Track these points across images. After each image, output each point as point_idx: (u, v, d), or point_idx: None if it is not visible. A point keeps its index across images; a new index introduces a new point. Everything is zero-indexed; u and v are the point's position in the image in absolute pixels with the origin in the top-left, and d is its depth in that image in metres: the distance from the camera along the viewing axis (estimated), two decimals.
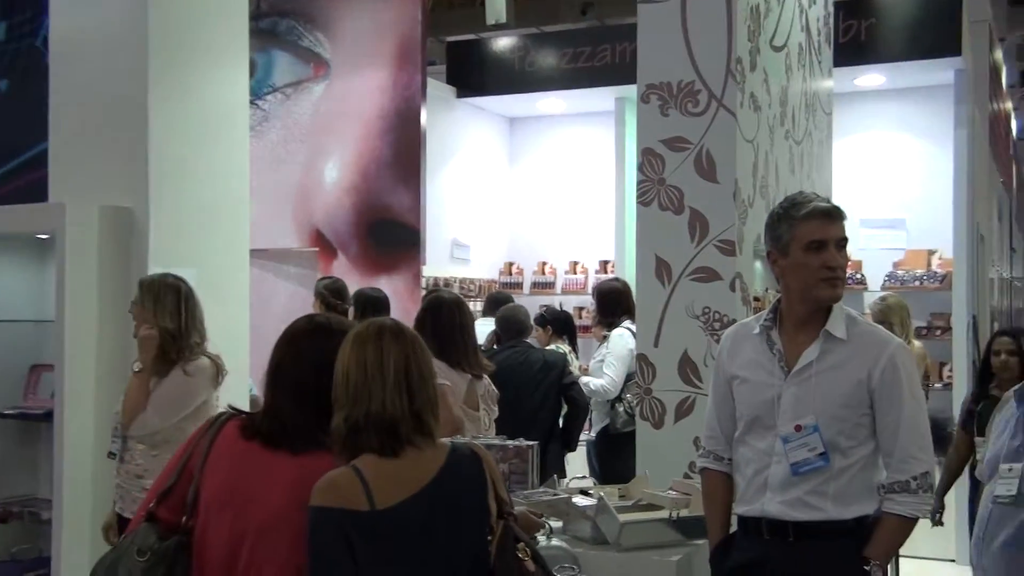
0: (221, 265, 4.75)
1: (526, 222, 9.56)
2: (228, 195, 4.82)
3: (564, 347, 6.26)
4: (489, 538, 2.08)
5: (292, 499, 2.06)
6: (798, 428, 2.62)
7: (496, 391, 4.28)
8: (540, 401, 5.17)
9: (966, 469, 4.89)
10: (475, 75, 8.92)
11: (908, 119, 8.26)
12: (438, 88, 8.58)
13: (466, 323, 4.23)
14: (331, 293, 6.21)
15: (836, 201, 2.79)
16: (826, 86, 6.18)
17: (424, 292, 6.43)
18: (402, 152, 7.31)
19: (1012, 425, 3.21)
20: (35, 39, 4.97)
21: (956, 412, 5.87)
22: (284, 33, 7.71)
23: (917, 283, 7.85)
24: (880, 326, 2.89)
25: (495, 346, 5.43)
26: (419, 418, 2.09)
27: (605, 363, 5.44)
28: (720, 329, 3.93)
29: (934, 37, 7.41)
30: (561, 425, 5.32)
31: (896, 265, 8.04)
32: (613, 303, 5.59)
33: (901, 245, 8.05)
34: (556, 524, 2.94)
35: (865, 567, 2.55)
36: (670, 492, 3.08)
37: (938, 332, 7.74)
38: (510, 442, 3.23)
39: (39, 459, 4.52)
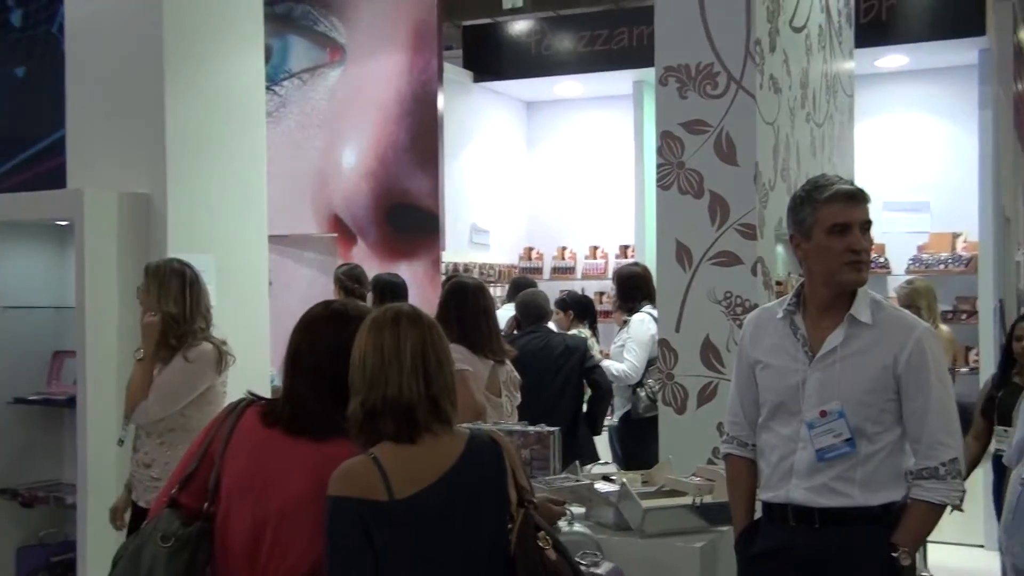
0: (239, 251, 4.75)
1: (545, 207, 9.52)
2: (245, 181, 4.81)
3: (585, 331, 6.24)
4: (509, 527, 2.06)
5: (314, 485, 2.05)
6: (823, 414, 2.59)
7: (518, 377, 4.27)
8: (562, 386, 5.15)
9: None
10: (492, 59, 8.87)
11: (931, 100, 8.16)
12: (455, 72, 8.54)
13: (489, 308, 4.22)
14: (349, 279, 6.23)
15: (859, 184, 2.74)
16: (847, 67, 6.11)
17: (444, 277, 6.41)
18: (419, 137, 7.30)
19: None
20: (51, 26, 4.97)
21: None
22: (300, 18, 7.69)
23: (942, 266, 7.77)
24: (906, 310, 2.85)
25: (515, 331, 5.41)
26: (436, 403, 2.07)
27: (626, 348, 5.42)
28: (742, 314, 3.90)
29: (957, 17, 7.30)
30: (585, 409, 5.30)
31: (920, 248, 7.96)
32: (633, 288, 5.56)
33: (925, 228, 7.97)
34: (579, 510, 2.92)
35: (893, 554, 2.52)
36: (693, 478, 3.06)
37: (964, 316, 7.66)
38: (531, 428, 3.22)
39: (63, 445, 4.55)
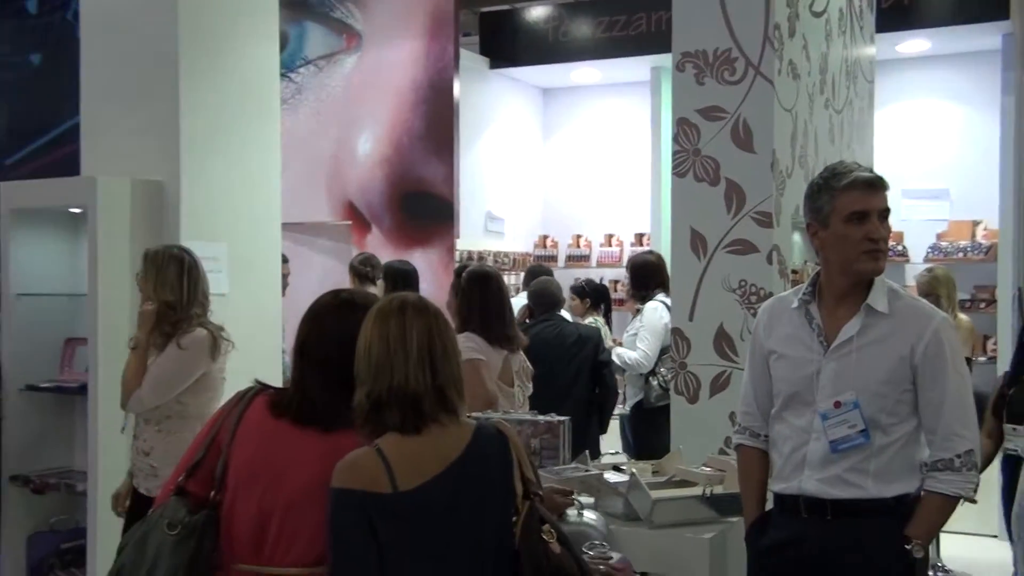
0: (252, 239, 4.75)
1: (561, 194, 9.48)
2: (260, 169, 4.81)
3: (599, 319, 6.22)
4: (514, 519, 2.04)
5: (322, 476, 2.04)
6: (837, 404, 2.55)
7: (530, 367, 4.25)
8: (574, 375, 5.11)
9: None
10: (508, 46, 8.83)
11: (953, 86, 8.06)
12: (471, 59, 8.50)
13: (507, 298, 4.22)
14: (364, 265, 6.23)
15: (878, 171, 2.70)
16: (868, 53, 6.03)
17: (457, 266, 6.39)
18: (435, 124, 7.28)
19: None
20: (66, 12, 4.97)
21: None
22: (316, 5, 7.67)
23: (961, 255, 7.69)
24: (923, 300, 2.80)
25: (527, 320, 5.38)
26: (442, 394, 2.05)
27: (639, 337, 5.39)
28: (756, 302, 3.85)
29: (981, 1, 7.20)
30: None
31: (939, 236, 7.88)
32: (647, 276, 5.52)
33: (944, 216, 7.89)
34: (588, 500, 2.90)
35: (906, 546, 2.48)
36: (704, 468, 3.02)
37: (982, 305, 7.58)
38: (541, 417, 3.19)
39: (75, 432, 4.56)
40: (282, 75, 7.50)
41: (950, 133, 8.07)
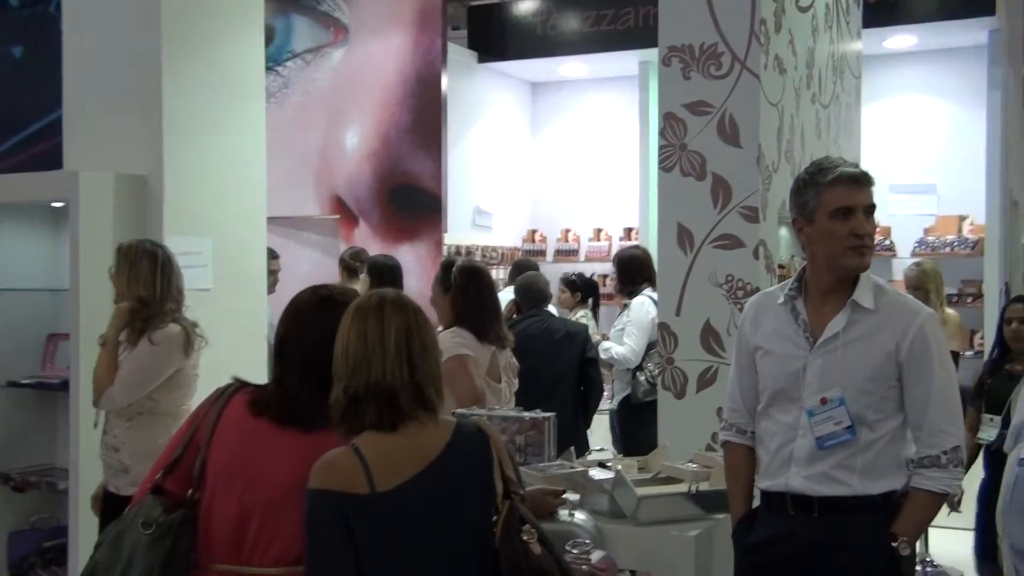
0: (237, 234, 4.72)
1: (549, 189, 9.46)
2: (245, 163, 4.78)
3: (587, 312, 6.21)
4: (494, 519, 2.02)
5: (302, 476, 2.01)
6: (824, 401, 2.54)
7: (516, 363, 4.23)
8: (562, 371, 5.09)
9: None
10: (497, 39, 8.79)
11: (939, 81, 8.07)
12: (459, 53, 8.47)
13: (496, 294, 4.20)
14: (352, 259, 6.21)
15: (865, 166, 2.69)
16: (854, 48, 6.02)
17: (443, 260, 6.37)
18: (423, 118, 7.26)
19: None
20: (48, 5, 4.91)
21: None
22: None
23: (948, 249, 7.71)
24: (908, 295, 2.79)
25: (514, 315, 5.36)
26: (420, 390, 2.02)
27: (625, 332, 5.38)
28: (743, 297, 3.84)
29: None
30: None
31: (926, 231, 7.90)
32: (633, 271, 5.52)
33: (931, 211, 7.90)
34: (573, 497, 2.88)
35: (893, 543, 2.47)
36: (690, 465, 3.01)
37: (969, 299, 7.60)
38: (527, 414, 3.17)
39: (57, 429, 4.52)
40: (269, 68, 7.48)
41: (937, 128, 8.08)
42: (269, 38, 7.55)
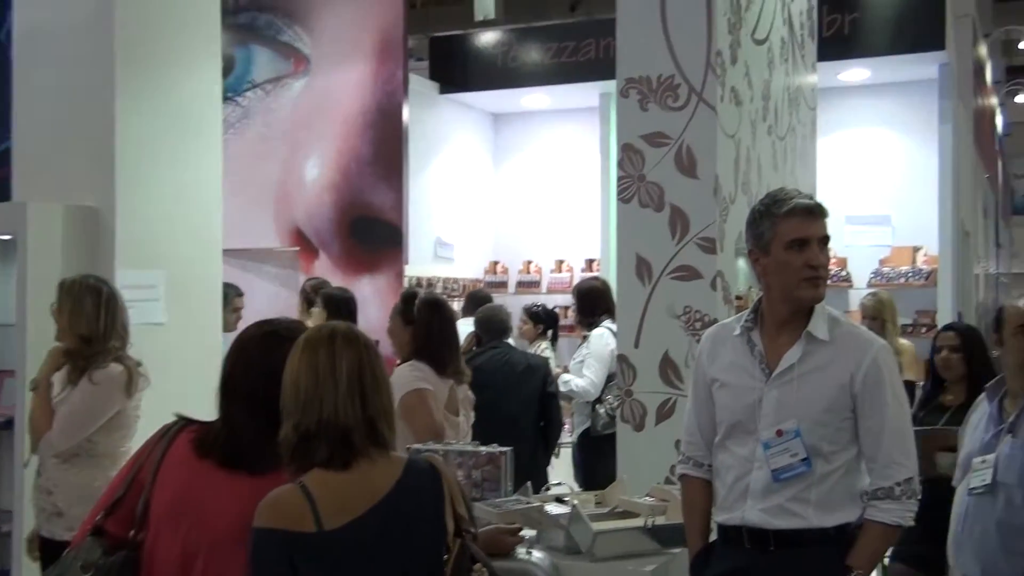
0: (192, 266, 4.67)
1: (511, 220, 9.47)
2: (200, 195, 4.73)
3: (547, 344, 6.19)
4: (445, 557, 1.98)
5: (249, 516, 1.96)
6: (780, 433, 2.53)
7: (473, 396, 4.20)
8: (523, 405, 5.06)
9: None
10: (458, 71, 8.82)
11: (892, 114, 8.21)
12: (421, 84, 8.48)
13: (456, 327, 4.18)
14: (312, 289, 6.15)
15: (821, 198, 2.71)
16: (810, 81, 6.10)
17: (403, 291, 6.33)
18: (384, 149, 7.23)
19: (984, 421, 3.18)
20: None
21: None
22: (263, 28, 7.61)
23: (903, 280, 7.80)
24: (862, 326, 2.80)
25: (474, 347, 5.33)
26: (373, 426, 1.98)
27: (585, 364, 5.36)
28: (701, 329, 3.84)
29: (918, 31, 7.36)
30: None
31: (882, 262, 7.99)
32: (593, 303, 5.51)
33: (886, 242, 8.01)
34: (530, 534, 2.84)
35: None
36: (647, 499, 2.98)
37: (924, 329, 7.69)
38: (483, 448, 3.14)
39: (2, 469, 4.39)
40: (228, 99, 7.44)
41: (891, 160, 8.21)
42: (229, 68, 7.53)
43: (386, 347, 4.55)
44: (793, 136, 5.54)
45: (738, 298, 4.20)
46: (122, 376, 3.47)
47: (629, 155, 4.10)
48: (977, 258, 10.20)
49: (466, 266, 9.07)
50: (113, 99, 4.31)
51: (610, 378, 5.23)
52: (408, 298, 4.20)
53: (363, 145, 7.29)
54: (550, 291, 9.05)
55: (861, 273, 7.97)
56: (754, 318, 2.67)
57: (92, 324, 3.47)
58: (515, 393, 5.00)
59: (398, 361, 4.15)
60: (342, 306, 5.57)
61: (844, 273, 7.96)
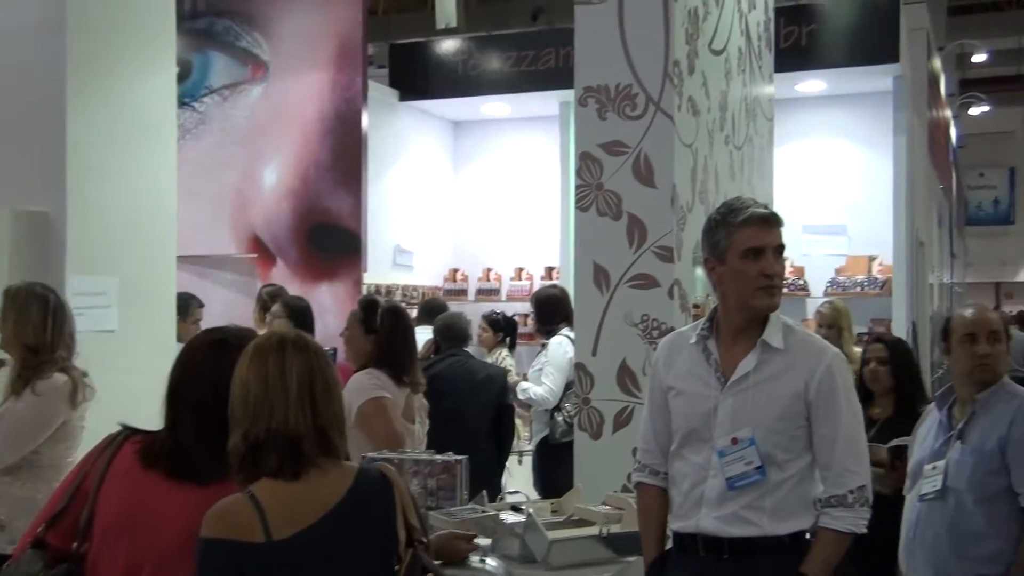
0: (146, 273, 4.61)
1: (471, 228, 9.45)
2: (154, 200, 4.67)
3: (506, 353, 6.19)
4: (397, 568, 1.96)
5: (196, 527, 1.92)
6: (734, 441, 2.55)
7: (427, 404, 4.18)
8: (480, 413, 5.04)
9: None
10: (418, 78, 8.80)
11: (848, 125, 8.31)
12: (381, 91, 8.45)
13: (415, 336, 4.16)
14: (269, 297, 6.09)
15: (778, 207, 2.72)
16: (767, 92, 6.16)
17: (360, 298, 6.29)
18: (343, 156, 7.19)
19: (934, 429, 3.22)
20: None
21: None
22: (221, 34, 7.55)
23: (858, 289, 7.88)
24: (817, 335, 2.82)
25: (432, 355, 5.30)
26: (324, 435, 1.95)
27: (543, 372, 5.36)
28: (658, 337, 3.85)
29: (873, 44, 7.46)
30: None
31: (838, 271, 8.07)
32: (551, 311, 5.51)
33: (843, 251, 8.09)
34: (485, 542, 2.83)
35: None
36: (602, 507, 2.98)
37: (908, 344, 7.76)
38: (439, 457, 3.12)
39: None
40: (185, 104, 7.36)
41: (847, 170, 8.30)
42: (186, 73, 7.45)
43: (341, 354, 4.51)
44: (750, 146, 5.59)
45: (695, 306, 4.22)
46: (66, 386, 3.37)
47: (587, 163, 4.11)
48: (931, 268, 10.34)
49: (425, 274, 9.04)
50: (64, 102, 4.24)
51: (568, 386, 5.23)
52: (369, 306, 4.16)
53: (322, 152, 7.24)
54: (510, 299, 9.04)
55: (818, 282, 8.05)
56: (710, 326, 2.68)
57: (38, 333, 3.37)
58: (473, 401, 4.98)
59: (355, 368, 4.12)
60: (305, 315, 5.53)
61: (801, 282, 8.03)
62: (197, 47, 7.48)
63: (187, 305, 5.84)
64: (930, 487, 3.10)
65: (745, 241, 2.58)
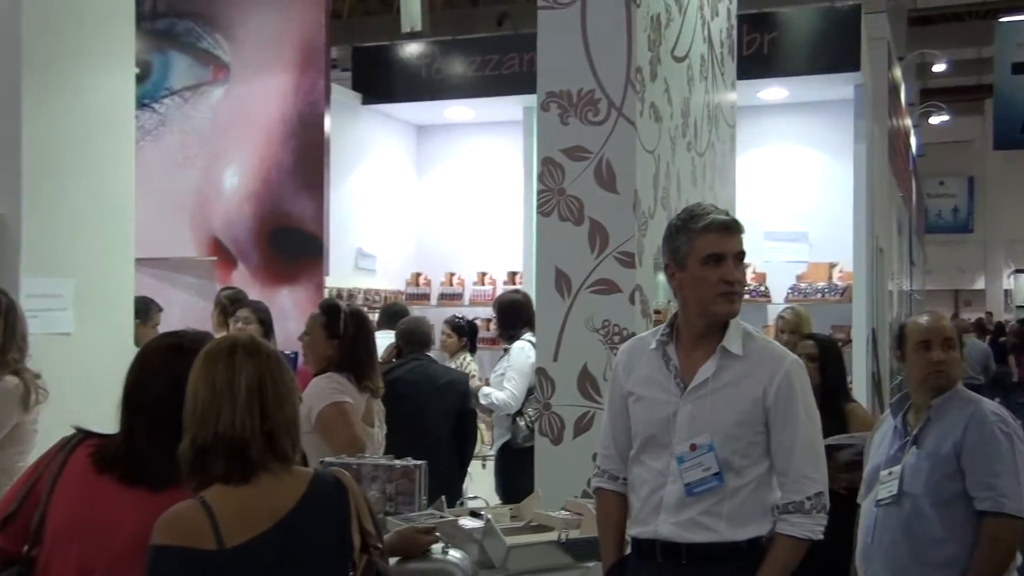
0: (103, 275, 4.54)
1: (434, 232, 9.42)
2: (112, 201, 4.61)
3: (471, 358, 6.18)
4: (351, 574, 1.94)
5: (147, 533, 1.89)
6: (693, 447, 2.55)
7: (383, 408, 4.15)
8: (442, 418, 5.02)
9: None
10: (382, 81, 8.76)
11: (810, 133, 8.38)
12: (343, 94, 8.40)
13: (376, 340, 4.14)
14: (230, 302, 6.02)
15: (740, 214, 2.75)
16: (729, 99, 6.20)
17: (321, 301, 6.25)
18: (305, 159, 7.15)
19: (890, 435, 3.25)
20: None
21: None
22: (182, 35, 7.48)
23: (819, 295, 7.95)
24: (775, 342, 2.83)
25: (394, 359, 5.28)
26: (273, 440, 1.93)
27: (506, 377, 5.35)
28: (619, 342, 3.86)
29: (834, 53, 7.53)
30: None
31: (799, 278, 8.13)
32: (514, 316, 5.51)
33: (804, 258, 8.15)
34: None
35: None
36: (562, 512, 2.98)
37: (839, 344, 7.82)
38: (397, 462, 3.10)
39: None
40: (146, 106, 7.28)
41: (808, 178, 8.37)
42: (146, 75, 7.37)
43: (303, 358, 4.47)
44: (712, 152, 5.62)
45: (657, 312, 4.23)
46: (18, 389, 3.31)
47: (549, 168, 4.11)
48: (891, 275, 10.47)
49: (388, 278, 8.99)
50: (20, 102, 4.17)
51: (531, 391, 5.23)
52: (332, 310, 4.12)
53: (284, 154, 7.20)
54: (473, 303, 9.02)
55: (779, 288, 8.11)
56: (670, 332, 2.68)
57: None
58: (434, 406, 4.96)
59: (314, 372, 4.09)
60: (270, 321, 5.48)
61: (763, 288, 8.09)
62: (158, 48, 7.40)
63: (147, 309, 5.77)
64: (887, 492, 3.13)
65: (705, 247, 2.59)
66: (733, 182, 6.41)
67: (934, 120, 19.20)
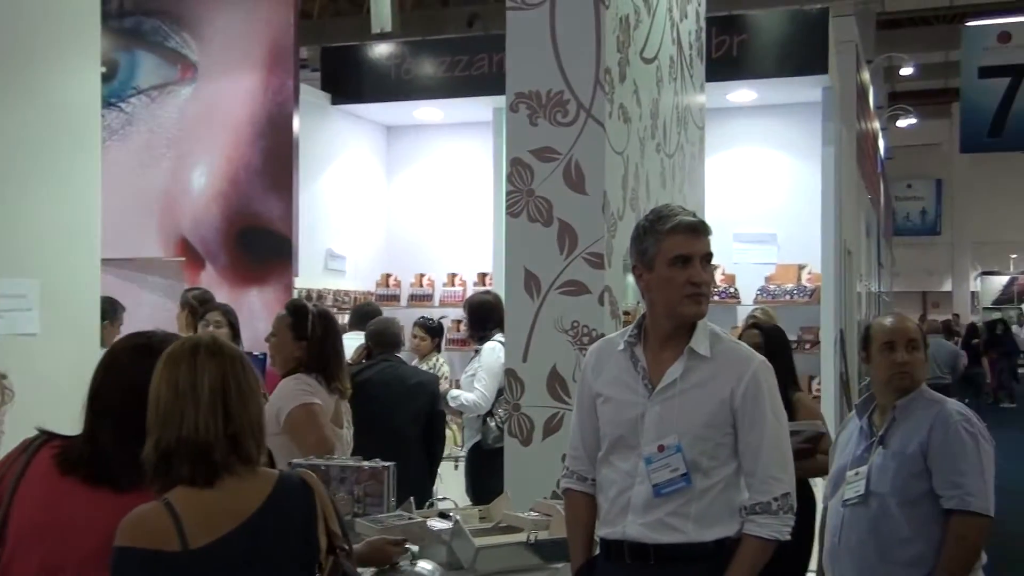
0: (69, 276, 4.49)
1: (403, 233, 9.40)
2: (77, 201, 4.56)
3: (443, 359, 6.17)
4: (317, 575, 1.93)
5: (112, 536, 1.87)
6: (661, 448, 2.56)
7: (350, 409, 4.14)
8: (411, 419, 5.01)
9: None
10: (351, 82, 8.72)
11: (778, 135, 8.43)
12: (313, 94, 8.36)
13: (343, 342, 4.12)
14: (199, 303, 5.97)
15: (709, 215, 2.75)
16: (699, 101, 6.23)
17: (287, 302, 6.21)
18: (273, 159, 7.09)
19: (856, 436, 3.28)
20: None
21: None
22: (149, 33, 7.40)
23: (787, 297, 8.00)
24: (743, 343, 2.84)
25: (363, 360, 5.26)
26: (237, 442, 1.92)
27: (476, 377, 5.35)
28: (588, 343, 3.86)
29: (803, 55, 7.57)
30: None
31: (768, 279, 8.18)
32: (484, 316, 5.51)
33: (772, 260, 8.20)
34: (413, 549, 2.80)
35: None
36: (531, 513, 2.98)
37: (807, 346, 7.90)
38: (366, 463, 3.08)
39: None
40: (112, 105, 7.21)
41: (777, 180, 8.42)
42: (112, 74, 7.29)
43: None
44: (682, 154, 5.64)
45: (626, 313, 4.24)
46: None
47: (518, 169, 4.11)
48: (859, 276, 10.56)
49: (357, 279, 8.96)
50: None
51: (501, 392, 5.23)
52: (299, 311, 4.09)
53: (252, 154, 7.14)
54: (443, 304, 9.00)
55: (748, 290, 8.15)
56: (638, 333, 2.69)
57: None
58: (404, 407, 4.96)
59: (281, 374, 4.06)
60: (235, 322, 5.45)
61: (732, 290, 8.13)
62: (124, 47, 7.33)
63: (114, 310, 5.71)
64: (853, 492, 3.15)
65: (673, 249, 2.59)
66: (702, 184, 6.44)
67: (902, 123, 19.40)
